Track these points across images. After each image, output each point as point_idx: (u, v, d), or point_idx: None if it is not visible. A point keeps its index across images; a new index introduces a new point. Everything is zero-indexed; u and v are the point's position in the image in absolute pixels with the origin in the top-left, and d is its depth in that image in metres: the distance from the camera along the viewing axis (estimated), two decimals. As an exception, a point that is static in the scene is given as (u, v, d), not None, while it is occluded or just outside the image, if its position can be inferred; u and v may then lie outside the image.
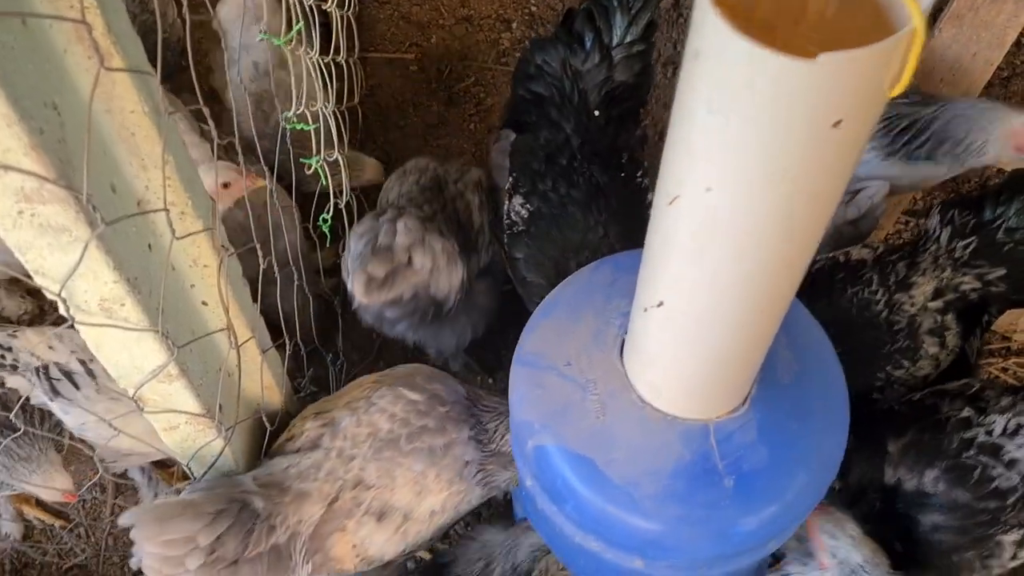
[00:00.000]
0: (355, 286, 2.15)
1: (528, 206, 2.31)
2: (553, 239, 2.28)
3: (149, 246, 1.43)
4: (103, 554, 2.67)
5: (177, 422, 1.74)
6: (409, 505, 2.00)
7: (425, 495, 2.00)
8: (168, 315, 1.49)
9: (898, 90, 0.89)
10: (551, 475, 1.62)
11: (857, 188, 2.62)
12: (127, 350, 1.48)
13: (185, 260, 1.58)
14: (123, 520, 1.72)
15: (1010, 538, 1.96)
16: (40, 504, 2.68)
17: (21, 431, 2.23)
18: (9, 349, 2.28)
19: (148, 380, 1.54)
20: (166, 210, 1.36)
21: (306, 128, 2.17)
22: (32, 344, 2.25)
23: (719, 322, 1.26)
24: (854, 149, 0.98)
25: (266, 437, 2.05)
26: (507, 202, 2.37)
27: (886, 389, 2.25)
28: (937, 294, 2.30)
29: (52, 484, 2.32)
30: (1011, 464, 1.96)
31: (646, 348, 1.46)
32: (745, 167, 0.98)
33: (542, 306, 1.78)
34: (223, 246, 1.59)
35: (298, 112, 2.20)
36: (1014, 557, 1.98)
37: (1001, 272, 2.31)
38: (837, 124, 0.89)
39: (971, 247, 2.32)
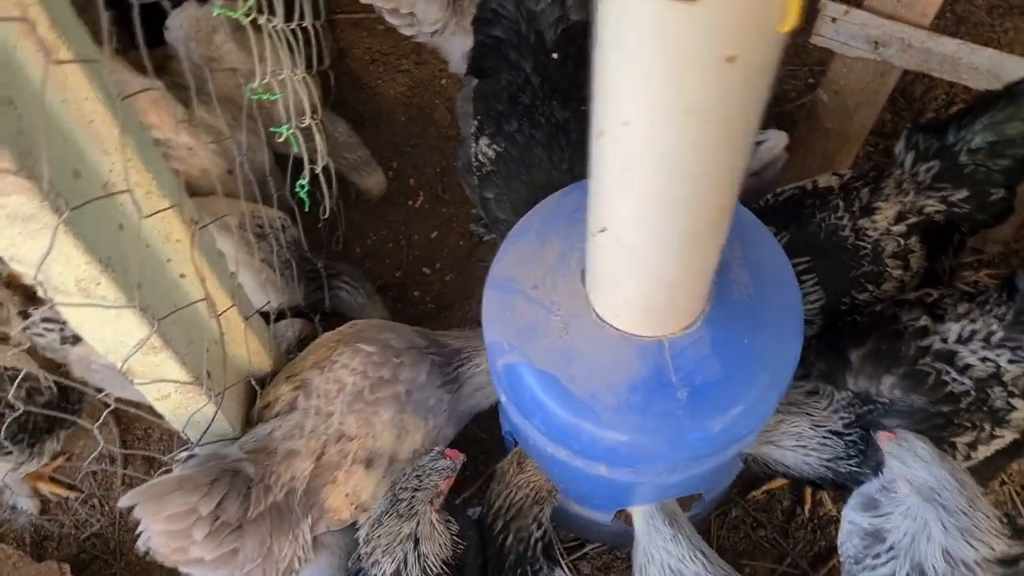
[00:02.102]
0: None
1: (495, 147, 2.38)
2: (522, 179, 2.35)
3: (120, 226, 1.50)
4: (118, 522, 2.78)
5: (167, 391, 1.83)
6: (393, 448, 2.12)
7: (405, 437, 2.12)
8: (147, 290, 1.56)
9: (788, 27, 0.94)
10: (520, 391, 1.73)
11: (757, 140, 2.67)
12: (109, 326, 1.56)
13: (158, 237, 1.64)
14: (123, 502, 1.79)
15: (963, 440, 2.05)
16: (53, 479, 2.79)
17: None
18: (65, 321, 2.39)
19: (133, 353, 1.62)
20: (130, 191, 1.42)
21: (272, 98, 2.21)
22: None
23: (655, 247, 1.33)
24: (756, 83, 1.04)
25: (257, 402, 2.14)
26: (474, 145, 2.44)
27: (851, 312, 2.31)
28: (900, 218, 2.35)
29: None
30: (964, 369, 2.04)
31: (598, 271, 1.55)
32: (653, 101, 1.04)
33: (513, 232, 1.87)
34: (193, 220, 1.65)
35: (264, 82, 2.24)
36: (967, 458, 2.07)
37: (964, 194, 2.36)
38: (732, 60, 0.95)
39: (934, 170, 2.36)
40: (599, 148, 1.23)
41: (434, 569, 1.93)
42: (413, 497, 1.92)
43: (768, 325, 1.72)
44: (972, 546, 1.77)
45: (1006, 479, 2.76)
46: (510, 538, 2.09)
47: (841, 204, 2.38)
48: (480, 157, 2.41)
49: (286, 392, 2.13)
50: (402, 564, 1.90)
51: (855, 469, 2.15)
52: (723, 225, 1.37)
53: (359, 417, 2.10)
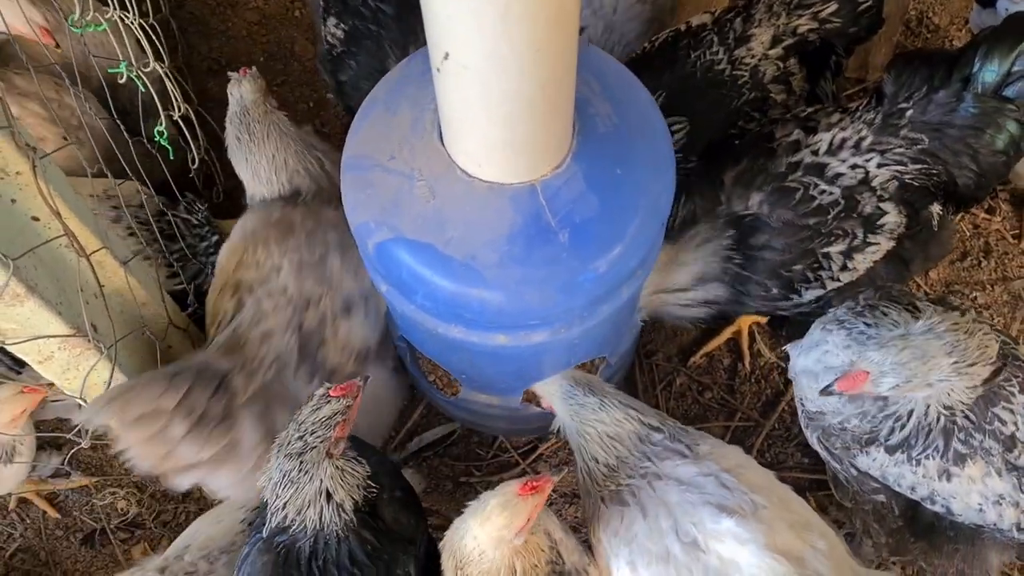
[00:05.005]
0: None
1: (343, 26, 2.26)
2: (374, 55, 2.24)
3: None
4: (44, 530, 2.59)
5: (49, 350, 1.66)
6: (360, 287, 2.07)
7: (362, 273, 2.04)
8: (-9, 232, 1.39)
9: None
10: (397, 270, 1.62)
11: None
12: (-44, 275, 1.38)
13: (-9, 170, 1.46)
14: (81, 416, 1.66)
15: (836, 248, 2.05)
16: (-36, 502, 2.57)
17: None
18: None
19: (-7, 305, 1.45)
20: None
21: (97, 29, 2.02)
22: None
23: (501, 62, 1.24)
24: None
25: (158, 354, 1.98)
26: (322, 27, 2.32)
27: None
28: (775, 41, 2.33)
29: None
30: (834, 179, 2.02)
31: (452, 114, 1.45)
32: None
33: (361, 110, 1.75)
34: (29, 145, 1.47)
35: (87, 16, 2.04)
36: (844, 268, 2.06)
37: (833, 7, 2.35)
38: None
39: None
40: None
41: (346, 518, 1.70)
42: (301, 462, 1.65)
43: (638, 151, 1.66)
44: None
45: (928, 290, 2.82)
46: None
47: (716, 39, 2.34)
48: (329, 39, 2.30)
49: (228, 300, 2.04)
50: (318, 518, 1.68)
51: (739, 289, 2.16)
52: (570, 29, 1.29)
53: (313, 278, 2.03)
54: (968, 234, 2.87)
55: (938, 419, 1.75)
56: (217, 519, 1.95)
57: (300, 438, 1.66)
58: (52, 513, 2.59)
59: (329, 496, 1.67)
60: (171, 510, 2.61)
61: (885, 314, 1.79)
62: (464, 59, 1.26)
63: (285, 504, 1.67)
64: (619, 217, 1.60)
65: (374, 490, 1.77)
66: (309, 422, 1.67)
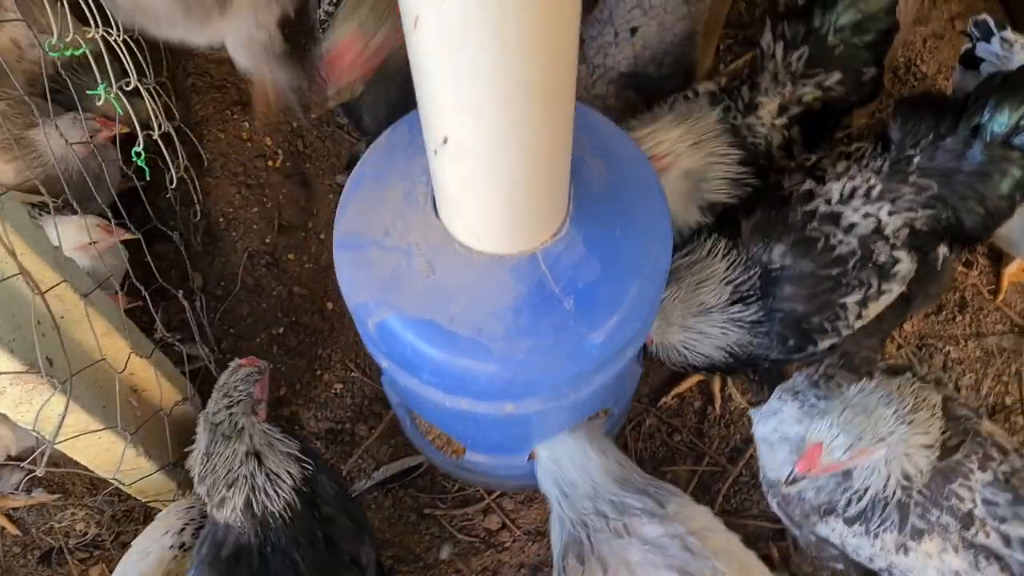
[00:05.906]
0: None
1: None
2: None
3: None
4: (2, 547, 2.56)
5: (1, 385, 1.64)
6: None
7: None
8: (-58, 271, 1.37)
9: None
10: (400, 348, 1.60)
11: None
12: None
13: (-55, 210, 1.45)
14: None
15: (852, 299, 2.05)
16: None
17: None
18: None
19: (-59, 344, 1.43)
20: None
21: (75, 53, 2.00)
22: None
23: (503, 142, 1.23)
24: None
25: (117, 384, 1.96)
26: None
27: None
28: (781, 110, 2.34)
29: None
30: (849, 229, 2.03)
31: (449, 192, 1.43)
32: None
33: (348, 185, 1.74)
34: (-15, 185, 1.46)
35: (67, 39, 2.02)
36: (859, 316, 2.07)
37: (837, 76, 2.37)
38: None
39: (804, 56, 2.35)
40: (418, 40, 1.12)
41: (285, 496, 1.75)
42: (231, 414, 1.79)
43: (636, 209, 1.66)
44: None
45: (901, 342, 2.81)
46: None
47: (731, 106, 2.35)
48: (323, 16, 2.36)
49: None
50: (251, 491, 1.73)
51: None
52: (568, 102, 1.28)
53: None
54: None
55: (894, 493, 1.74)
56: (144, 552, 1.94)
57: (225, 395, 1.83)
58: (12, 530, 2.57)
59: (260, 459, 1.75)
60: (131, 531, 2.58)
61: (839, 385, 1.80)
62: (464, 142, 1.25)
63: (216, 468, 1.73)
64: (621, 278, 1.59)
65: (310, 467, 1.83)
66: (231, 382, 1.88)
